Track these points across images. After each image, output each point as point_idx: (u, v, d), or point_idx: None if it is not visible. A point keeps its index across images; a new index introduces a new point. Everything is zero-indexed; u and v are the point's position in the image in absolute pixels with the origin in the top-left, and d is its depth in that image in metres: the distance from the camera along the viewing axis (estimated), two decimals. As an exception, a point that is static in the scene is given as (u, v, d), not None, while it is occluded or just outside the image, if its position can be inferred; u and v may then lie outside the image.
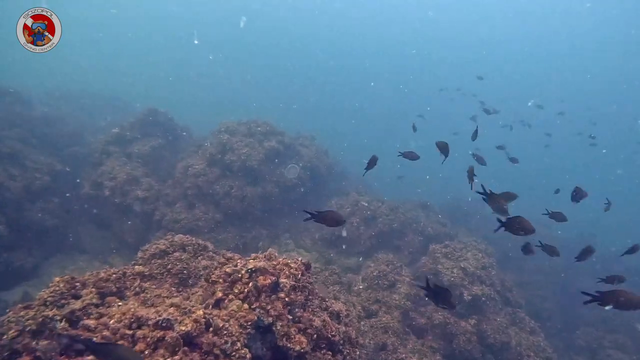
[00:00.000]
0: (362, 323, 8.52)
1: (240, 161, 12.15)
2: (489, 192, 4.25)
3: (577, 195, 5.47)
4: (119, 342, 2.70)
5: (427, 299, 3.87)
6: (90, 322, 2.94)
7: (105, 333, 2.76)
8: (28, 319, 3.32)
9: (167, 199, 11.91)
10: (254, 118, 14.33)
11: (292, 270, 3.98)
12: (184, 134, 15.74)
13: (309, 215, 3.98)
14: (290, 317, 3.70)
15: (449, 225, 14.48)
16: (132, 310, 3.08)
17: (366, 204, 13.61)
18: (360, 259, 11.24)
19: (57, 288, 3.89)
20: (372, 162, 6.84)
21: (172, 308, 3.14)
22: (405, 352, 8.11)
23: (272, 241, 12.45)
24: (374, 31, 60.51)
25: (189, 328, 2.91)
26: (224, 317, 3.26)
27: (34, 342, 2.84)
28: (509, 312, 10.31)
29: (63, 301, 3.80)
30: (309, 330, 3.73)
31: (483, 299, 9.57)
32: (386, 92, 50.88)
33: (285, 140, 14.08)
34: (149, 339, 2.74)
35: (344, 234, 12.11)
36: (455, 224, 15.80)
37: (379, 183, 20.95)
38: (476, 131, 8.91)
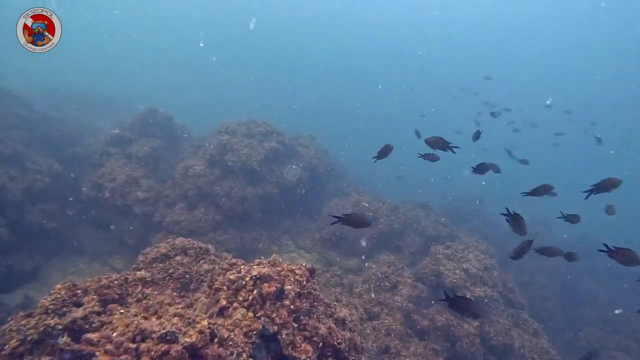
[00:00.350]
0: (365, 325, 8.49)
1: (241, 162, 12.09)
2: (512, 213, 4.42)
3: (605, 185, 5.39)
4: (123, 357, 2.65)
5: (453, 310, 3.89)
6: (93, 336, 2.89)
7: (109, 347, 2.71)
8: (29, 329, 3.26)
9: (167, 200, 11.84)
10: (254, 118, 14.28)
11: (297, 277, 3.93)
12: (184, 135, 15.68)
13: (336, 219, 4.00)
14: (296, 325, 3.65)
15: (450, 226, 14.45)
16: (136, 322, 3.02)
17: (367, 205, 13.59)
18: (367, 264, 11.18)
19: (59, 295, 3.83)
20: (385, 151, 6.40)
21: (176, 318, 3.09)
22: (408, 355, 8.08)
23: (273, 242, 12.41)
24: (374, 31, 60.36)
25: (194, 339, 2.86)
26: (229, 327, 3.21)
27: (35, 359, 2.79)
28: (512, 314, 10.28)
29: (65, 309, 3.75)
30: (314, 338, 3.67)
31: (486, 300, 9.55)
32: (388, 92, 50.74)
33: (285, 140, 14.04)
34: (153, 353, 2.68)
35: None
36: (456, 224, 15.77)
37: (379, 183, 20.90)
38: (478, 132, 8.85)
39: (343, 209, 13.18)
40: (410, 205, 14.82)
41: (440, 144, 5.88)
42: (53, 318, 3.41)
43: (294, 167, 13.19)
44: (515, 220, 4.49)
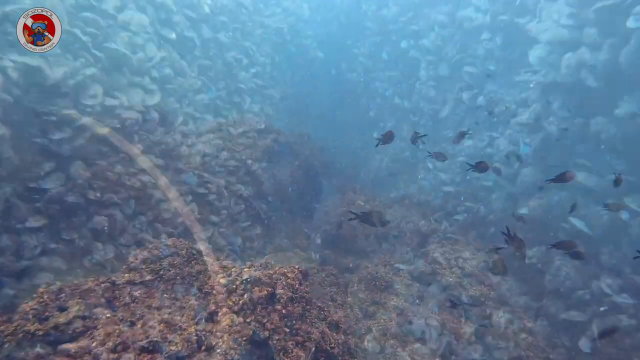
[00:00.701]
0: (360, 325, 8.41)
1: (235, 160, 11.97)
2: (512, 234, 4.42)
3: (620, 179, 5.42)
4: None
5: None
6: (71, 347, 2.75)
7: (87, 358, 2.57)
8: (7, 335, 3.12)
9: (160, 198, 11.66)
10: (250, 116, 14.16)
11: (289, 280, 3.80)
12: (179, 132, 15.45)
13: (354, 216, 4.03)
14: (288, 330, 3.53)
15: (446, 224, 14.35)
16: (118, 330, 2.88)
17: (362, 203, 13.46)
18: (353, 264, 11.08)
19: (41, 299, 3.68)
20: (388, 138, 6.11)
21: (161, 325, 2.96)
22: (405, 355, 8.00)
23: (268, 241, 12.27)
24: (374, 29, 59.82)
25: (180, 348, 2.74)
26: (217, 333, 3.09)
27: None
28: (508, 312, 10.23)
29: (47, 313, 3.60)
30: (307, 343, 3.56)
31: (482, 299, 9.50)
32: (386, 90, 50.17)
33: (280, 138, 13.92)
34: (134, 364, 2.56)
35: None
36: (452, 222, 15.67)
37: (376, 182, 20.78)
38: (463, 133, 8.70)
39: (339, 207, 13.07)
40: (407, 203, 14.73)
41: (413, 136, 5.97)
42: (33, 324, 3.27)
43: (289, 164, 13.08)
44: (514, 242, 4.39)
